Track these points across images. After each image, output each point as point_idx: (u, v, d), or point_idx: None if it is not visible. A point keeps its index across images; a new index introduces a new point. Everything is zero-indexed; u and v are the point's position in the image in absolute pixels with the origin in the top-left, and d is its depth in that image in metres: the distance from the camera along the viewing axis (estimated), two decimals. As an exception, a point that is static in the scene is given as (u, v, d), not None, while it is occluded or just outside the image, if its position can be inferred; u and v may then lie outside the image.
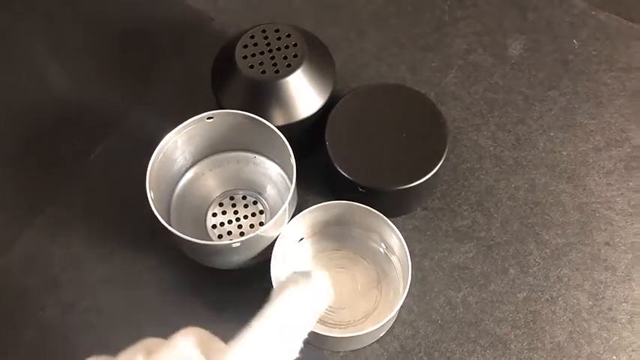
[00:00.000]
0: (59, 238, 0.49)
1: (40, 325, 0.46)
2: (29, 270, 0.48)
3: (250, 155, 0.50)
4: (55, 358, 0.45)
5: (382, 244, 0.47)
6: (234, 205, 0.49)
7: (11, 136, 0.54)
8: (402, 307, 0.46)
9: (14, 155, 0.53)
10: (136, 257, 0.48)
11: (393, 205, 0.48)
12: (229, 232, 0.48)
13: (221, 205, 0.49)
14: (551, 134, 0.53)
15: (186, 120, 0.46)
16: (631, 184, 0.50)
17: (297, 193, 0.51)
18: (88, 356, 0.44)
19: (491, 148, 0.52)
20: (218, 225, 0.49)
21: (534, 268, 0.48)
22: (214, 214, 0.49)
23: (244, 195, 0.50)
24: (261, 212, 0.49)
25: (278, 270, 0.43)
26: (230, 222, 0.49)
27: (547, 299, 0.47)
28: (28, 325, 0.46)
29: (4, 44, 0.58)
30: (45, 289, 0.47)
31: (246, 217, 0.49)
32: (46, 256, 0.48)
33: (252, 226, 0.48)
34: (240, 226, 0.49)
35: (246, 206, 0.49)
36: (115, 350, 0.45)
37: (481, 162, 0.52)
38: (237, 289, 0.47)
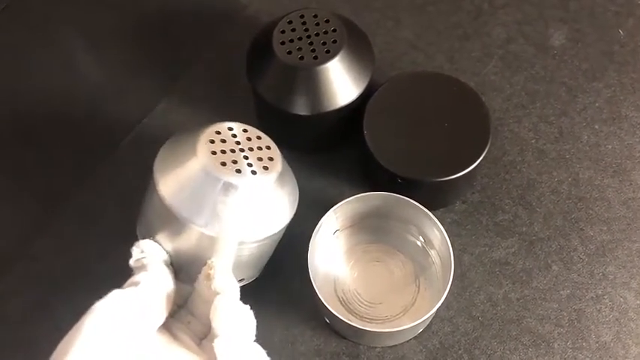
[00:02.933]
0: (89, 227, 0.48)
1: (74, 312, 0.45)
2: (59, 257, 0.47)
3: None
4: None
5: (420, 237, 0.46)
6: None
7: (39, 123, 0.53)
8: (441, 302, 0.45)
9: (42, 143, 0.52)
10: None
11: (432, 198, 0.46)
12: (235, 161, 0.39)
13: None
14: (596, 127, 0.51)
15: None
16: (680, 179, 0.49)
17: (332, 184, 0.49)
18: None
19: (532, 141, 0.50)
20: (218, 152, 0.38)
21: (578, 265, 0.46)
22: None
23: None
24: (270, 159, 0.40)
25: (313, 264, 0.42)
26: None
27: (592, 297, 0.45)
28: (62, 311, 0.45)
29: (37, 32, 0.58)
30: (76, 276, 0.47)
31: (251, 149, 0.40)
32: (76, 243, 0.48)
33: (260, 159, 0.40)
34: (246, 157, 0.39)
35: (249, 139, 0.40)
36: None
37: (522, 155, 0.50)
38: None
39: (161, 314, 0.37)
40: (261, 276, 0.45)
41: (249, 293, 0.44)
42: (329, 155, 0.50)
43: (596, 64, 0.54)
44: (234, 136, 0.39)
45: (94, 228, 0.48)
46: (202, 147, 0.37)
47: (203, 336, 0.38)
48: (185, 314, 0.39)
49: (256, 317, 0.45)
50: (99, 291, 0.45)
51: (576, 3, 0.56)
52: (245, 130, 0.40)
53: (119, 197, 0.49)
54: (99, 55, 0.57)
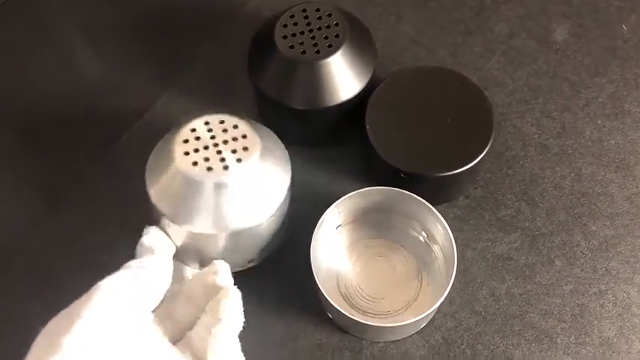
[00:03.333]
0: (85, 222, 0.48)
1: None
2: (57, 253, 0.47)
3: None
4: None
5: (423, 232, 0.45)
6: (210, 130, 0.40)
7: (41, 118, 0.53)
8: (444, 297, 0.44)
9: (41, 139, 0.52)
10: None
11: (434, 193, 0.46)
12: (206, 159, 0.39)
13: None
14: (599, 122, 0.51)
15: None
16: (683, 174, 0.48)
17: (334, 179, 0.49)
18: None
19: (535, 136, 0.50)
20: (192, 152, 0.39)
21: (581, 260, 0.46)
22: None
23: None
24: (245, 149, 0.40)
25: (316, 259, 0.42)
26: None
27: (595, 292, 0.45)
28: (60, 306, 0.45)
29: (35, 27, 0.57)
30: (75, 271, 0.46)
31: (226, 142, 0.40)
32: (73, 239, 0.47)
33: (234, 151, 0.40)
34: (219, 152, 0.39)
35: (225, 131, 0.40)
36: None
37: (525, 150, 0.50)
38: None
39: (158, 298, 0.38)
40: (264, 270, 0.45)
41: (252, 288, 0.44)
42: (331, 150, 0.50)
43: (599, 59, 0.53)
44: (210, 130, 0.40)
45: (93, 223, 0.48)
46: (176, 148, 0.39)
47: (175, 340, 0.38)
48: (161, 314, 0.39)
49: (258, 312, 0.45)
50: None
51: (579, -2, 0.56)
52: (222, 122, 0.40)
53: (118, 192, 0.49)
54: (98, 51, 0.57)
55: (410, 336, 0.44)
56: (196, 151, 0.39)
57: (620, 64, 0.53)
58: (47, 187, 0.49)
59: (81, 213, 0.48)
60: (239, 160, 0.39)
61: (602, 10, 0.55)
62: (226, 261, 0.42)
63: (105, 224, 0.48)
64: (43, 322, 0.37)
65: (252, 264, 0.43)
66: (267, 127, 0.49)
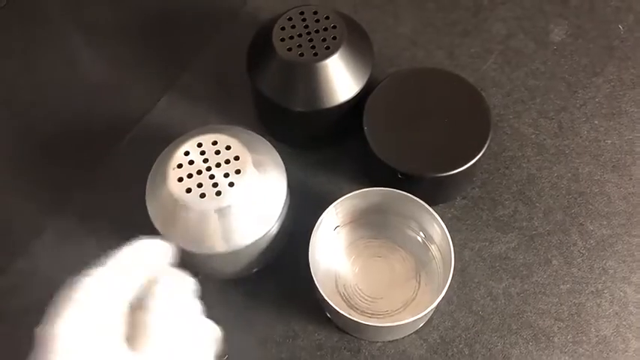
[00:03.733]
0: (89, 224, 0.48)
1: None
2: (60, 253, 0.47)
3: None
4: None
5: (421, 232, 0.46)
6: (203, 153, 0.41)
7: (39, 121, 0.53)
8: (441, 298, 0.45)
9: (42, 141, 0.52)
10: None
11: (432, 193, 0.46)
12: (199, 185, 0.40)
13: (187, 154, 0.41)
14: (595, 122, 0.51)
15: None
16: (679, 174, 0.49)
17: (332, 181, 0.50)
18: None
19: (532, 136, 0.51)
20: (185, 177, 0.40)
21: (578, 260, 0.46)
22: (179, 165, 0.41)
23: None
24: (237, 171, 0.40)
25: (315, 259, 0.42)
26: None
27: (592, 291, 0.45)
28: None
29: (38, 29, 0.58)
30: (76, 273, 0.47)
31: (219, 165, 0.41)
32: (77, 239, 0.48)
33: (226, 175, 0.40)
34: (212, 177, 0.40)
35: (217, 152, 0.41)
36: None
37: (522, 150, 0.50)
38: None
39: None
40: (263, 271, 0.45)
41: (250, 289, 0.44)
42: (329, 151, 0.50)
43: (596, 59, 0.54)
44: (203, 153, 0.41)
45: (94, 224, 0.48)
46: (170, 174, 0.40)
47: None
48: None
49: (258, 312, 0.45)
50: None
51: (576, -1, 0.57)
52: (215, 143, 0.41)
53: (120, 194, 0.49)
54: (100, 53, 0.57)
55: (408, 335, 0.44)
56: (190, 176, 0.40)
57: (617, 64, 0.53)
58: (49, 190, 0.50)
59: (83, 215, 0.49)
60: (231, 185, 0.40)
61: (599, 10, 0.56)
62: (228, 272, 0.43)
63: (106, 226, 0.48)
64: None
65: (255, 269, 0.44)
66: (266, 128, 0.50)
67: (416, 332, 0.44)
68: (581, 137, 0.51)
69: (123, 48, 0.56)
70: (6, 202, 0.49)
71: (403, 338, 0.44)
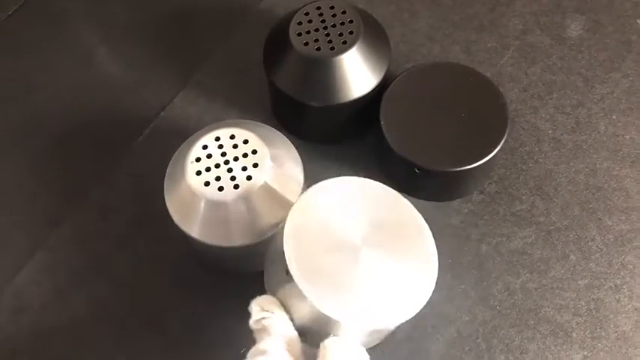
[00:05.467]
0: (107, 218, 0.49)
1: (89, 302, 0.46)
2: (78, 249, 0.48)
3: None
4: (103, 334, 0.45)
5: None
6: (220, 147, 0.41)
7: (58, 118, 0.54)
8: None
9: (61, 137, 0.53)
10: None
11: (449, 188, 0.46)
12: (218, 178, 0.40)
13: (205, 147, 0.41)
14: (613, 117, 0.51)
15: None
16: (699, 169, 0.48)
17: (349, 174, 0.49)
18: (138, 336, 0.44)
19: (550, 131, 0.50)
20: (203, 171, 0.40)
21: (597, 255, 0.46)
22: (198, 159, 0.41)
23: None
24: (255, 165, 0.41)
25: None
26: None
27: (610, 287, 0.45)
28: (79, 301, 0.46)
29: (55, 27, 0.58)
30: (93, 267, 0.47)
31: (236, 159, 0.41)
32: (94, 235, 0.48)
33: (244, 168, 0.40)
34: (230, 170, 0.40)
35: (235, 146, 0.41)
36: (168, 331, 0.45)
37: (539, 145, 0.50)
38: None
39: None
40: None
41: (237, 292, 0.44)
42: (346, 145, 0.50)
43: (614, 54, 0.53)
44: (221, 146, 0.41)
45: (111, 220, 0.49)
46: (188, 167, 0.40)
47: None
48: None
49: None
50: (116, 281, 0.46)
51: (593, -7, 0.56)
52: (232, 137, 0.41)
53: (136, 190, 0.50)
54: (116, 50, 0.57)
55: (424, 329, 0.44)
56: (208, 170, 0.40)
57: (635, 59, 0.53)
58: (67, 185, 0.50)
59: (98, 211, 0.49)
60: (249, 178, 0.40)
61: (616, 4, 0.55)
62: (246, 265, 0.43)
63: (122, 222, 0.48)
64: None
65: None
66: (282, 123, 0.50)
67: (432, 327, 0.44)
68: (598, 132, 0.50)
69: (139, 44, 0.57)
70: (24, 197, 0.50)
71: (420, 332, 0.44)
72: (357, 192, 0.38)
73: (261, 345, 0.34)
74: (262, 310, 0.35)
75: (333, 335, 0.34)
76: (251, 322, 0.35)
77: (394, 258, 0.36)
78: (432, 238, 0.37)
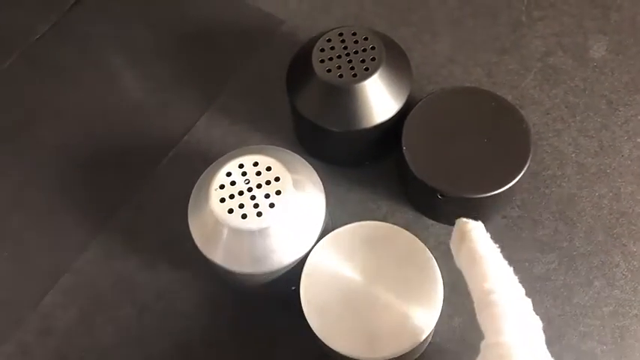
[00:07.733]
0: (132, 241, 0.49)
1: (114, 325, 0.46)
2: (103, 271, 0.48)
3: None
4: (128, 357, 0.45)
5: None
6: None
7: (84, 141, 0.55)
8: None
9: (86, 160, 0.53)
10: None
11: (472, 213, 0.46)
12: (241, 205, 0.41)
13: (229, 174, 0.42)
14: (638, 140, 0.50)
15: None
16: None
17: (371, 199, 0.50)
18: (163, 359, 0.45)
19: (573, 155, 0.50)
20: (227, 198, 0.41)
21: (621, 282, 0.45)
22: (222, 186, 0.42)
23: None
24: (278, 192, 0.41)
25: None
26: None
27: (636, 314, 0.44)
28: (104, 323, 0.46)
29: (80, 51, 0.59)
30: (118, 290, 0.48)
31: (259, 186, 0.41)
32: (119, 258, 0.49)
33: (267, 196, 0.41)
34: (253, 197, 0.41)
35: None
36: (194, 354, 0.45)
37: (563, 169, 0.50)
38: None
39: None
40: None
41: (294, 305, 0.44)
42: (367, 168, 0.50)
43: (638, 75, 0.53)
44: (244, 174, 0.42)
45: (136, 243, 0.49)
46: (212, 195, 0.41)
47: None
48: None
49: (301, 327, 0.45)
50: (140, 304, 0.47)
51: (617, 14, 0.56)
52: (255, 164, 0.42)
53: (161, 213, 0.50)
54: (140, 74, 0.58)
55: (446, 353, 0.44)
56: (231, 197, 0.41)
57: (660, 81, 0.53)
58: (94, 208, 0.51)
59: (123, 234, 0.50)
60: (272, 206, 0.40)
61: (639, 24, 0.55)
62: (268, 291, 0.44)
63: (147, 245, 0.49)
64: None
65: (294, 288, 0.44)
66: (304, 146, 0.51)
67: (455, 353, 0.44)
68: (622, 156, 0.50)
69: (163, 68, 0.58)
70: (52, 220, 0.51)
71: (436, 353, 0.44)
72: (370, 234, 0.42)
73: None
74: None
75: None
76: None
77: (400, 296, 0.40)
78: (441, 279, 0.41)
